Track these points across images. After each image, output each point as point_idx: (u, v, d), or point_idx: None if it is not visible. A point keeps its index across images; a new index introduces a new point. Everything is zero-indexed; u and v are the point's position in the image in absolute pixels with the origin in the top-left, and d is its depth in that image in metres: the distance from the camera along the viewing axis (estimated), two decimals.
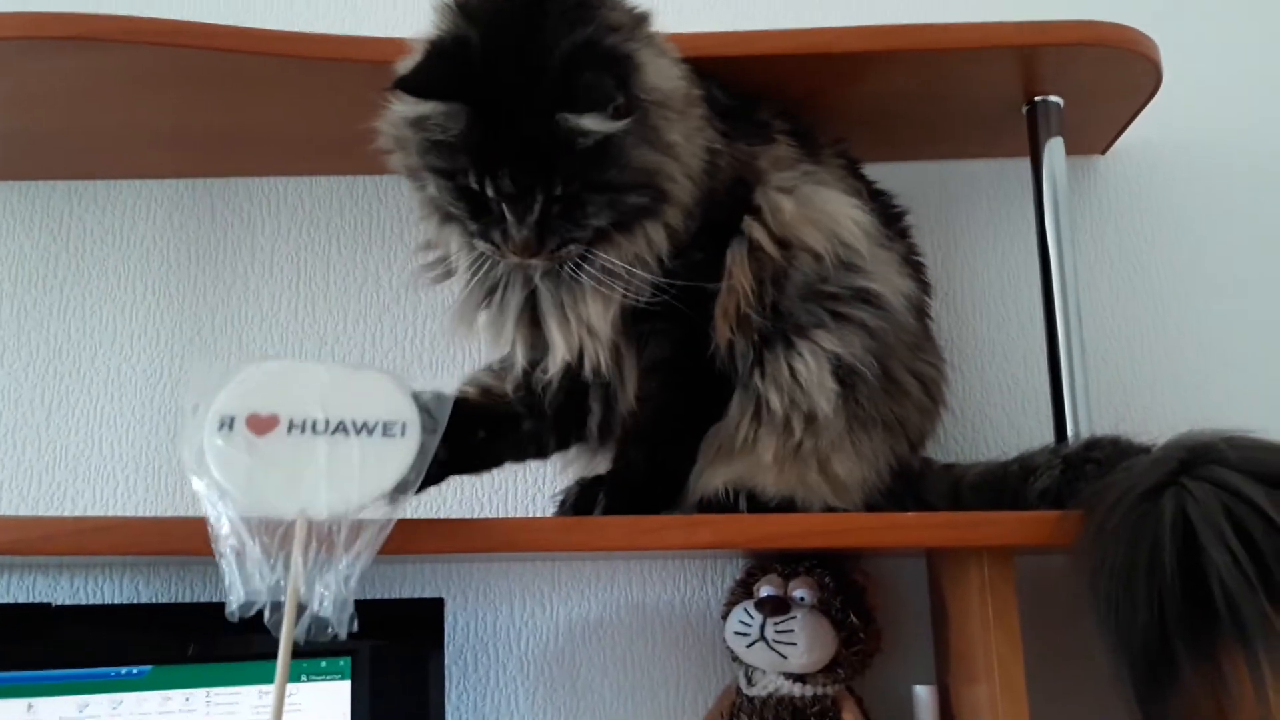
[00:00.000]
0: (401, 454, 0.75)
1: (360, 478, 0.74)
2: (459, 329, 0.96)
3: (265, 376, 0.78)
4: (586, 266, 0.87)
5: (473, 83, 0.82)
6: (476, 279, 0.91)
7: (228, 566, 0.72)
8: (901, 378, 0.94)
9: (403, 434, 0.76)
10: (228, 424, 0.74)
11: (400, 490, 0.75)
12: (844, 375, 0.89)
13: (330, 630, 0.71)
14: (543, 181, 0.82)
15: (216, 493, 0.73)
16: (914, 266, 1.04)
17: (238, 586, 0.72)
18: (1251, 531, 0.74)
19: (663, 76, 0.87)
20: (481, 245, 0.88)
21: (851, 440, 0.91)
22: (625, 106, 0.81)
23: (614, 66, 0.82)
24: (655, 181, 0.86)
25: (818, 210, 0.92)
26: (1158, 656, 0.74)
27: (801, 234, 0.91)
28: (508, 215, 0.84)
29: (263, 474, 0.74)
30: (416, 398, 0.79)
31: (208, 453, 0.74)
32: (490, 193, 0.84)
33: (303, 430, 0.75)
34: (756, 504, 0.90)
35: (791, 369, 0.89)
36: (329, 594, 0.72)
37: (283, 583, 0.71)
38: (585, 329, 0.90)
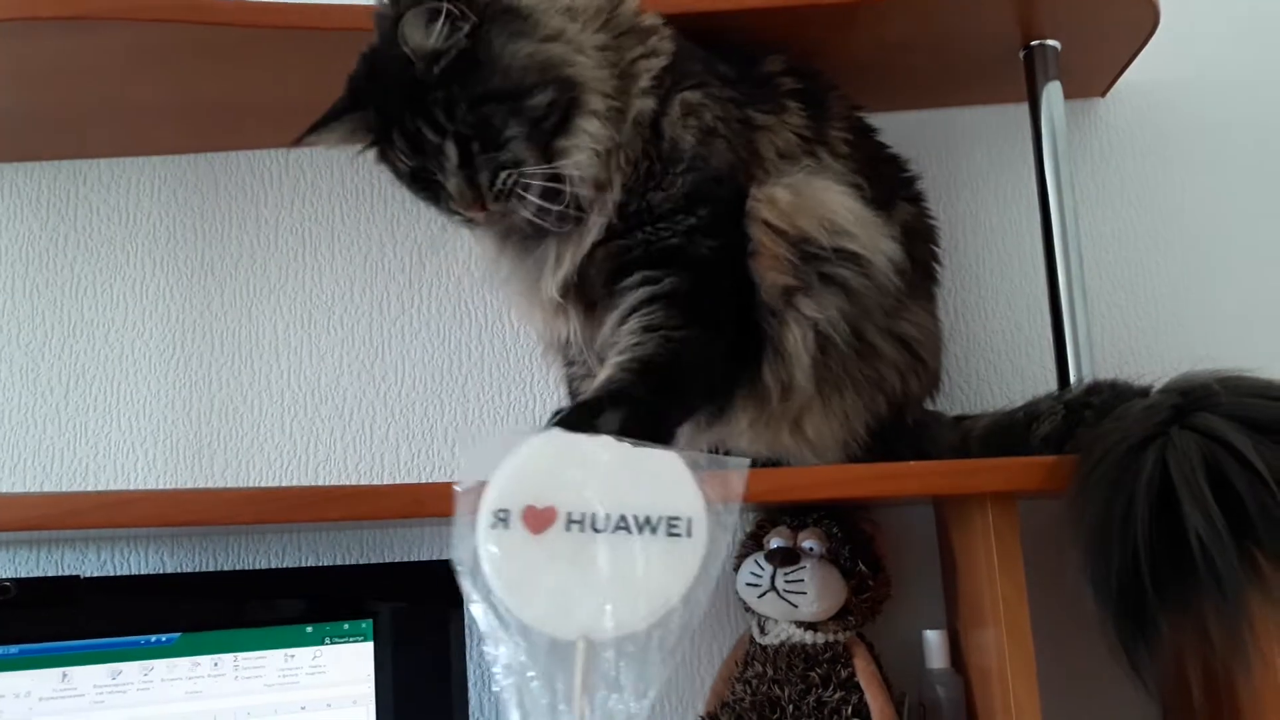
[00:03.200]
0: (688, 558, 0.66)
1: (645, 589, 0.65)
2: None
3: (540, 458, 0.69)
4: (528, 194, 0.84)
5: (357, 96, 0.86)
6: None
7: (508, 699, 0.65)
8: (875, 340, 0.92)
9: (688, 533, 0.66)
10: (503, 519, 0.66)
11: (688, 602, 0.66)
12: (820, 341, 0.89)
13: None
14: (428, 120, 0.82)
15: (491, 611, 0.66)
16: (925, 231, 1.04)
17: None
18: (1234, 482, 0.74)
19: None
20: (452, 219, 0.89)
21: (821, 400, 0.90)
22: (461, 11, 0.81)
23: None
24: (553, 72, 0.83)
25: (813, 200, 0.91)
26: (1135, 606, 0.75)
27: (798, 221, 0.89)
28: (437, 175, 0.85)
29: (541, 581, 0.66)
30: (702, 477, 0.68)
31: (484, 559, 0.66)
32: (405, 158, 0.85)
33: (582, 526, 0.66)
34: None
35: (783, 339, 0.89)
36: None
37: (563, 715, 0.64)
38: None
